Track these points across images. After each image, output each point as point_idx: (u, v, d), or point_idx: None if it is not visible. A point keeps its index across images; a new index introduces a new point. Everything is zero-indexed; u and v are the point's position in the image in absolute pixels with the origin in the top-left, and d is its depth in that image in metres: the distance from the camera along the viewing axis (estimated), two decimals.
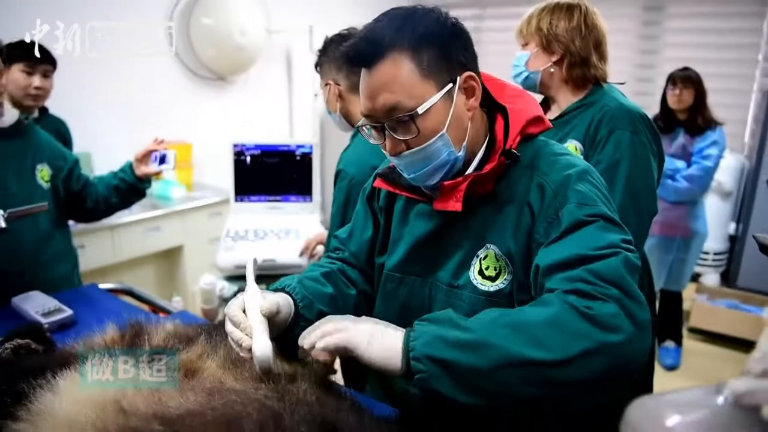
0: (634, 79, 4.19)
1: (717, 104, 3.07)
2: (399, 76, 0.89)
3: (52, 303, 1.51)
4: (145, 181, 1.97)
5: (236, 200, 2.41)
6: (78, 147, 3.19)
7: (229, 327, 0.95)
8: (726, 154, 3.10)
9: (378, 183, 1.11)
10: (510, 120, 0.99)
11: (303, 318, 1.03)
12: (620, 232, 0.89)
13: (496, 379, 0.75)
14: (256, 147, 2.36)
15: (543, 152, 1.00)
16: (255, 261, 1.12)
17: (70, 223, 2.83)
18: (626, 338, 0.75)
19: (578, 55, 1.57)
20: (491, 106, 1.04)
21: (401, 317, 1.11)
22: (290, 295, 1.04)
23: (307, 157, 2.38)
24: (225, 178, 3.73)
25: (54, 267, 1.83)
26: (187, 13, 3.65)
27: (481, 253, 0.99)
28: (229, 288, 2.04)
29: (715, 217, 3.75)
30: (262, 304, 0.95)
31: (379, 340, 0.82)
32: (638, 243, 1.57)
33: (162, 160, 1.94)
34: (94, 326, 1.11)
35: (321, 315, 1.04)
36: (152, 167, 1.95)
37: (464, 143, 0.96)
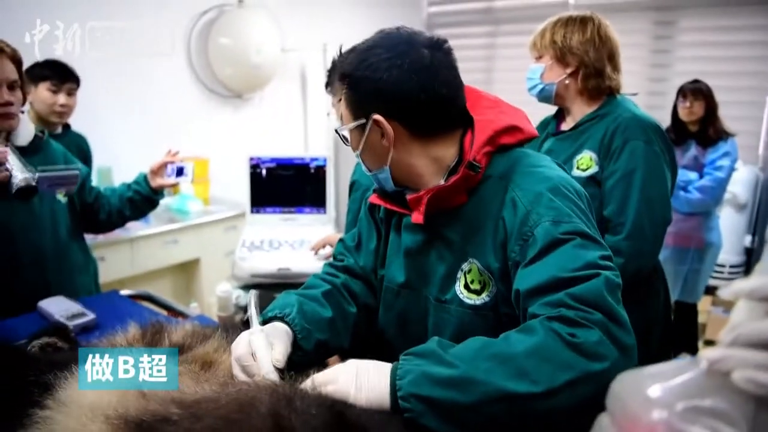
0: (646, 93, 4.20)
1: (730, 117, 3.08)
2: (339, 98, 1.05)
3: (75, 307, 1.57)
4: (159, 192, 2.00)
5: (252, 212, 2.47)
6: (98, 161, 3.29)
7: (239, 373, 0.93)
8: (740, 166, 3.11)
9: (372, 198, 1.16)
10: (476, 131, 1.00)
11: (300, 349, 1.03)
12: (598, 248, 0.88)
13: (482, 413, 0.76)
14: (272, 160, 2.43)
15: (519, 164, 1.00)
16: (256, 296, 1.10)
17: (90, 236, 2.96)
18: (611, 365, 0.75)
19: (593, 67, 1.61)
20: (466, 119, 1.05)
21: (400, 327, 1.15)
22: (289, 325, 1.04)
23: (321, 170, 2.44)
24: (241, 193, 3.83)
25: (75, 277, 1.87)
26: (205, 34, 3.77)
27: (465, 267, 1.01)
28: (244, 296, 2.08)
29: (731, 230, 3.73)
30: (275, 356, 0.94)
31: (366, 385, 0.82)
32: (653, 250, 1.59)
33: (179, 172, 1.98)
34: (115, 330, 1.16)
35: (319, 344, 1.06)
36: (169, 179, 1.98)
37: (384, 167, 1.03)
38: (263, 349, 0.93)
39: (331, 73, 1.80)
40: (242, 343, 0.95)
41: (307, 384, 0.84)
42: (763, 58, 3.94)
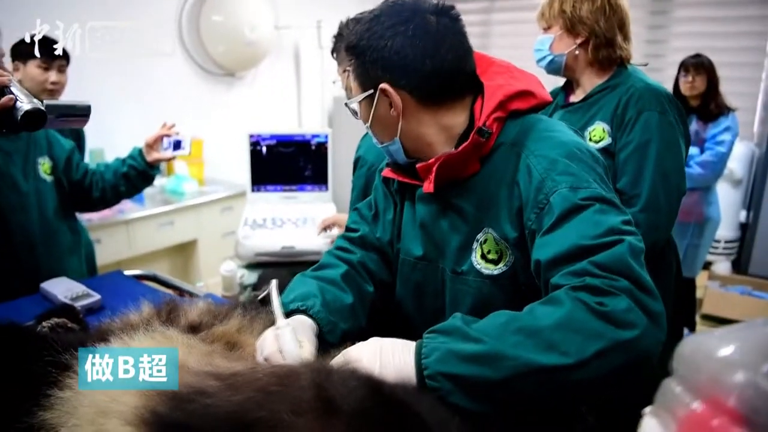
0: (643, 69, 4.19)
1: (726, 92, 3.07)
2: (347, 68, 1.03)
3: (79, 288, 1.53)
4: (155, 167, 1.94)
5: (252, 190, 2.42)
6: (91, 143, 3.22)
7: None
8: (736, 142, 3.11)
9: (385, 172, 1.14)
10: (485, 96, 0.98)
11: (324, 342, 0.99)
12: (618, 213, 0.85)
13: (511, 388, 0.74)
14: (272, 137, 2.38)
15: (533, 129, 0.97)
16: (276, 285, 1.03)
17: (85, 218, 2.90)
18: (641, 333, 0.73)
19: (603, 37, 1.57)
20: (477, 85, 1.02)
21: (417, 300, 1.12)
22: (314, 319, 1.00)
23: (322, 147, 2.39)
24: (236, 173, 3.78)
25: (64, 259, 1.80)
26: (196, 11, 3.68)
27: (481, 237, 0.98)
28: (248, 275, 2.05)
29: (726, 205, 3.74)
30: (304, 355, 0.89)
31: (391, 363, 0.79)
32: (669, 223, 1.57)
33: (177, 146, 1.92)
34: (121, 310, 1.12)
35: (343, 336, 1.01)
36: (165, 153, 1.92)
37: (395, 138, 1.01)
38: (292, 348, 0.88)
39: (337, 39, 1.77)
40: (269, 341, 0.90)
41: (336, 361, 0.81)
42: (758, 33, 3.93)
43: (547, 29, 1.66)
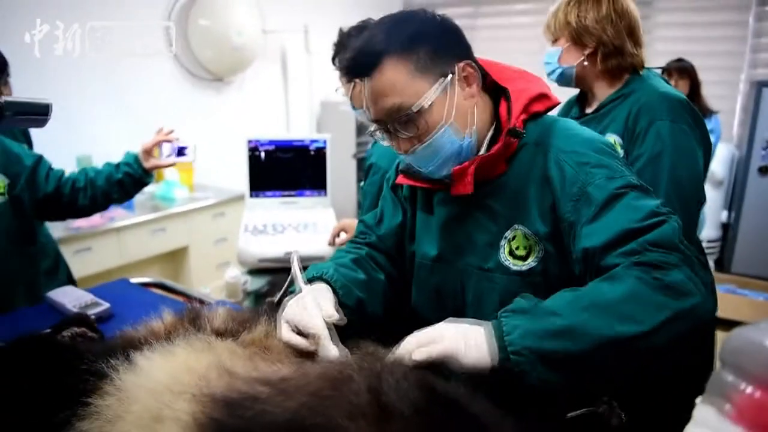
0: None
1: (706, 96, 3.16)
2: (398, 79, 0.93)
3: (87, 297, 1.51)
4: (151, 174, 1.85)
5: (251, 196, 2.41)
6: (77, 149, 3.17)
7: (288, 335, 0.91)
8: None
9: (400, 179, 1.14)
10: (512, 99, 1.00)
11: (344, 306, 1.02)
12: (653, 198, 0.90)
13: (591, 360, 0.78)
14: (270, 143, 2.37)
15: (554, 128, 1.01)
16: (297, 257, 1.08)
17: (74, 226, 2.84)
18: (700, 301, 0.79)
19: (611, 45, 1.52)
20: (494, 90, 1.05)
21: (436, 303, 1.13)
22: (329, 283, 1.04)
23: (321, 152, 2.39)
24: (226, 178, 3.75)
25: (12, 290, 1.62)
26: (184, 15, 3.65)
27: (509, 234, 1.00)
28: (252, 282, 2.04)
29: (708, 206, 3.85)
30: (326, 312, 0.93)
31: (472, 343, 0.80)
32: (687, 233, 1.54)
33: (179, 152, 1.85)
34: (132, 319, 1.10)
35: (359, 302, 1.07)
36: (167, 159, 1.84)
37: (473, 128, 0.99)
38: (313, 307, 0.93)
39: (338, 48, 1.77)
40: (292, 305, 0.95)
41: (402, 350, 0.82)
42: (737, 38, 4.05)
43: (554, 42, 1.61)
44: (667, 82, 1.60)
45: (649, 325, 0.76)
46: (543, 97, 1.03)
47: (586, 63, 1.56)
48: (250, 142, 2.37)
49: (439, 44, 0.95)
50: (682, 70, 3.03)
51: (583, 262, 0.91)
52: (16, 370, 0.87)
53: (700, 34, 4.16)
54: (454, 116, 0.96)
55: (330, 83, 4.84)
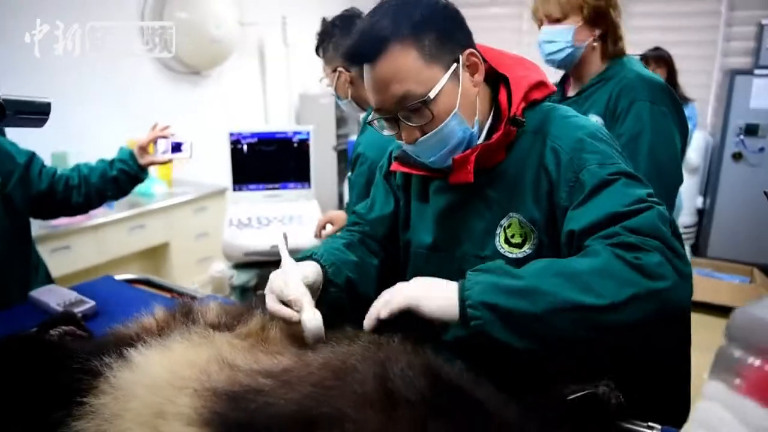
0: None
1: (681, 84, 3.21)
2: (404, 65, 0.91)
3: (72, 295, 1.47)
4: (146, 170, 1.81)
5: (234, 189, 2.38)
6: (53, 146, 3.09)
7: (273, 305, 0.93)
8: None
9: (395, 167, 1.13)
10: (512, 87, 1.00)
11: (332, 284, 1.04)
12: (643, 187, 0.91)
13: (548, 323, 0.78)
14: (253, 135, 2.35)
15: (551, 116, 1.01)
16: (285, 236, 1.10)
17: (51, 225, 2.77)
18: (672, 285, 0.78)
19: (615, 29, 1.53)
20: (492, 77, 1.04)
21: None
22: (318, 262, 1.04)
23: (304, 144, 2.38)
24: (206, 173, 3.70)
25: (5, 290, 1.56)
26: (159, 8, 3.57)
27: (504, 222, 1.01)
28: (238, 276, 2.02)
29: (684, 193, 3.92)
30: (305, 275, 0.96)
31: (437, 293, 0.84)
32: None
33: (175, 148, 1.81)
34: (119, 316, 1.08)
35: (349, 282, 1.07)
36: (163, 156, 1.81)
37: (476, 119, 0.99)
38: (294, 275, 0.95)
39: (322, 38, 1.75)
40: (277, 277, 0.96)
41: (369, 315, 0.87)
42: (710, 27, 4.12)
43: (557, 20, 1.54)
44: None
45: (610, 300, 0.77)
46: (541, 84, 1.03)
47: (595, 44, 1.54)
48: (232, 135, 2.34)
49: (445, 31, 0.94)
50: (659, 58, 3.07)
51: (567, 246, 0.92)
52: (6, 370, 0.84)
53: (673, 24, 4.22)
54: (461, 105, 0.95)
55: (309, 75, 4.82)
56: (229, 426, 0.64)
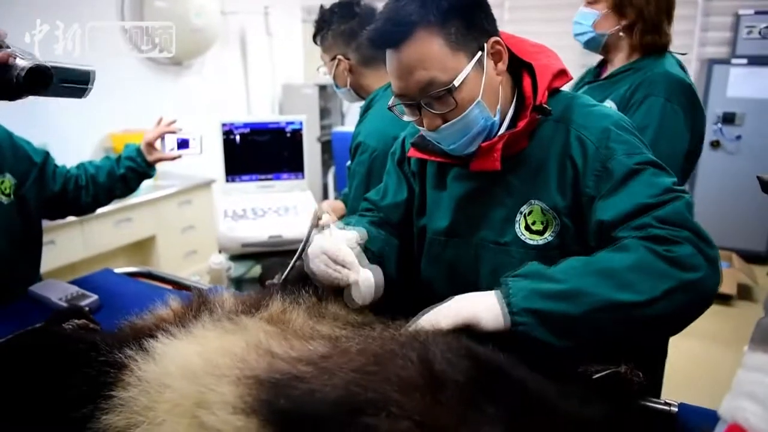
0: (580, 54, 4.36)
1: None
2: (430, 52, 0.91)
3: (73, 289, 1.44)
4: (154, 167, 1.75)
5: (227, 180, 2.35)
6: (34, 138, 2.99)
7: (325, 268, 0.98)
8: None
9: (412, 153, 1.13)
10: (537, 76, 1.00)
11: (369, 251, 1.08)
12: (669, 176, 0.93)
13: (590, 323, 0.81)
14: (245, 125, 2.32)
15: (573, 105, 1.02)
16: (317, 211, 1.18)
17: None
18: (703, 275, 0.82)
19: (651, 22, 1.51)
20: (515, 64, 1.05)
21: (449, 279, 1.14)
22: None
23: (297, 134, 2.36)
24: (189, 165, 3.63)
25: (15, 295, 1.47)
26: None
27: (525, 209, 1.02)
28: (235, 267, 2.00)
29: None
30: (349, 239, 1.01)
31: (483, 307, 0.84)
32: None
33: (183, 144, 1.74)
34: (123, 309, 1.07)
35: (380, 254, 1.12)
36: (171, 153, 1.74)
37: (498, 107, 0.99)
38: (344, 237, 1.02)
39: (320, 26, 1.72)
40: (327, 241, 1.01)
41: (425, 322, 0.85)
42: (687, 17, 4.18)
43: (592, 3, 1.57)
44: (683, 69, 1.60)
45: (648, 296, 0.80)
46: (562, 73, 1.04)
47: (622, 34, 1.55)
48: (224, 125, 2.30)
49: (471, 18, 0.94)
50: None
51: (597, 235, 0.93)
52: (30, 364, 0.83)
53: None
54: (484, 93, 0.96)
55: (292, 66, 4.76)
56: (276, 413, 0.64)
